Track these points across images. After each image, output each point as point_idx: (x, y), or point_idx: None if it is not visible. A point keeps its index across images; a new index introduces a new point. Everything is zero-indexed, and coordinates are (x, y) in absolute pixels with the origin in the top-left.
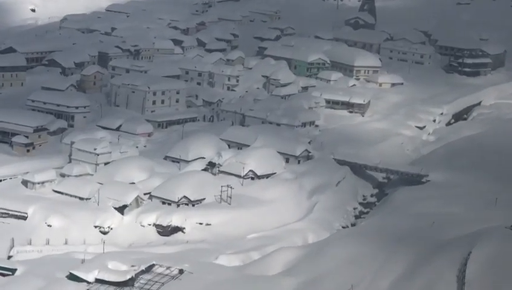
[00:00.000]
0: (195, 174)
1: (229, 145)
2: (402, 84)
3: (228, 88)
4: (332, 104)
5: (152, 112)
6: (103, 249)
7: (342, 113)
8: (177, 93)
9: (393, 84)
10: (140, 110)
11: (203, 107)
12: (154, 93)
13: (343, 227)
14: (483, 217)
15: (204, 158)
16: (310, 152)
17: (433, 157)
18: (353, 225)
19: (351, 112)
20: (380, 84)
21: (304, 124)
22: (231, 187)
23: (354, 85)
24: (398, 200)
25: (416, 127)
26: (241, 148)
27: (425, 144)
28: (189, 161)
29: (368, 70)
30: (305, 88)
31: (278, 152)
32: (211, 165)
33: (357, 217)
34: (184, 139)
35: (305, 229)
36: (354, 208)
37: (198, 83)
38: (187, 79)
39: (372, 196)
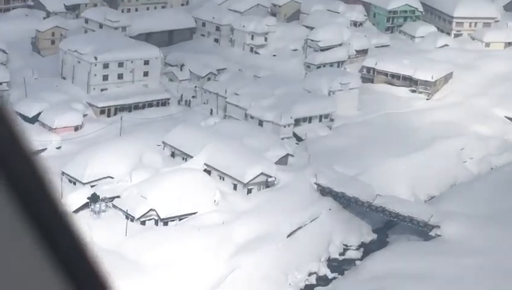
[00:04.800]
0: None
1: (173, 154)
2: None
3: (251, 50)
4: (391, 78)
5: (102, 90)
6: None
7: (401, 92)
8: (146, 63)
9: (509, 44)
10: (85, 87)
11: (189, 82)
12: (106, 66)
13: None
14: None
15: (112, 178)
16: (269, 176)
17: (487, 183)
18: None
19: (413, 91)
20: (487, 44)
21: (306, 119)
22: None
23: (446, 45)
24: (371, 271)
25: (507, 118)
26: (186, 160)
27: (507, 148)
28: (84, 183)
29: (475, 23)
30: (362, 51)
31: (224, 175)
32: (93, 200)
33: None
34: (93, 146)
35: None
36: (311, 274)
37: (216, 40)
38: (204, 33)
39: (359, 247)
